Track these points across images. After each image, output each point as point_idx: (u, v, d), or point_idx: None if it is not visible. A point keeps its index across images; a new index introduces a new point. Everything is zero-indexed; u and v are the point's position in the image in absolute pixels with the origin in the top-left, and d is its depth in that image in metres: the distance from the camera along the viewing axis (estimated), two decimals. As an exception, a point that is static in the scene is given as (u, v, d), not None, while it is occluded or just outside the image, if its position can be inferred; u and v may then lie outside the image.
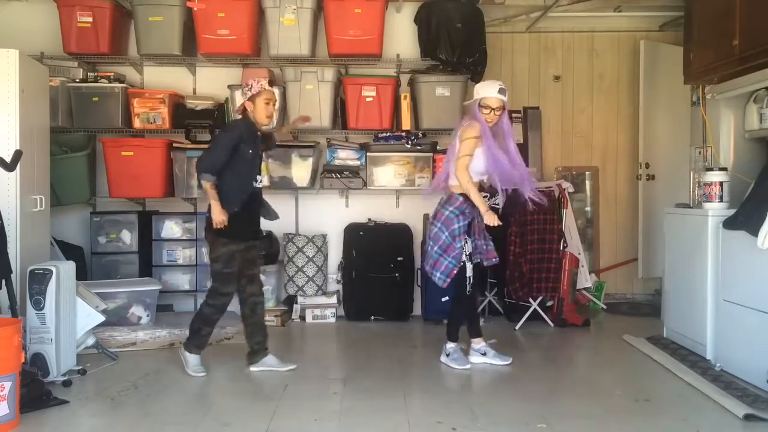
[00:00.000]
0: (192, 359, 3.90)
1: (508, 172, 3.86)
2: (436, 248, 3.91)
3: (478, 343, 4.11)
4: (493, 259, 4.05)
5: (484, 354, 4.09)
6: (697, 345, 4.16)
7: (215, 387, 3.72)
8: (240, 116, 3.92)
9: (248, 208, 3.84)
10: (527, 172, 4.01)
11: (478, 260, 3.99)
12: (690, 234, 4.26)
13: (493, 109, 3.83)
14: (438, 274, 3.91)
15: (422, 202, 5.28)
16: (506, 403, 3.38)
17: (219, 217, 3.68)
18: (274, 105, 3.89)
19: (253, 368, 3.95)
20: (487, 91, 3.86)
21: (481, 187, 3.98)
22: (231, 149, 3.73)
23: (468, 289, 3.95)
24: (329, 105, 5.23)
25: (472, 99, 3.95)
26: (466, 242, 3.90)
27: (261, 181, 3.95)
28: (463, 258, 3.88)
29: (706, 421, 3.15)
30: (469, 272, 3.92)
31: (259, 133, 3.89)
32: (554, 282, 5.11)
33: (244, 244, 3.86)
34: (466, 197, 3.87)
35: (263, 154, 4.10)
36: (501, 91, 3.85)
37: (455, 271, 3.87)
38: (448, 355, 4.03)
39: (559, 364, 4.34)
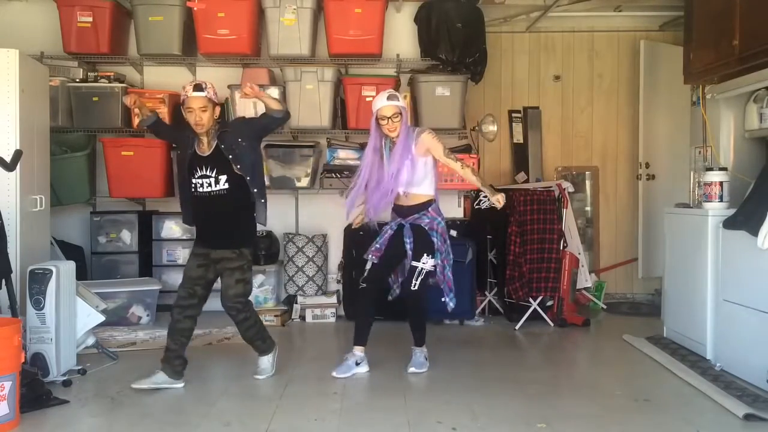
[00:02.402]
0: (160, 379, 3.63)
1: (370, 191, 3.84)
2: (447, 269, 3.89)
3: (414, 351, 4.01)
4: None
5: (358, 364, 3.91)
6: (697, 345, 4.16)
7: (215, 387, 3.71)
8: None
9: (200, 214, 3.62)
10: (386, 193, 3.82)
11: (374, 260, 3.90)
12: (690, 234, 4.25)
13: (389, 117, 3.75)
14: (451, 295, 3.91)
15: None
16: (506, 403, 3.38)
17: None
18: (202, 111, 3.44)
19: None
20: (377, 102, 3.80)
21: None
22: (180, 167, 3.69)
23: (360, 282, 3.90)
24: (329, 105, 5.23)
25: (413, 117, 3.93)
26: (381, 237, 3.90)
27: (214, 185, 3.52)
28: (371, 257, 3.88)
29: (706, 421, 3.15)
30: (368, 264, 3.90)
31: (196, 138, 3.55)
32: (554, 282, 5.11)
33: (203, 249, 3.62)
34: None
35: (229, 158, 3.51)
36: (390, 97, 3.78)
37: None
38: (426, 359, 3.98)
39: (559, 364, 4.34)
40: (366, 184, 3.85)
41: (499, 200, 3.73)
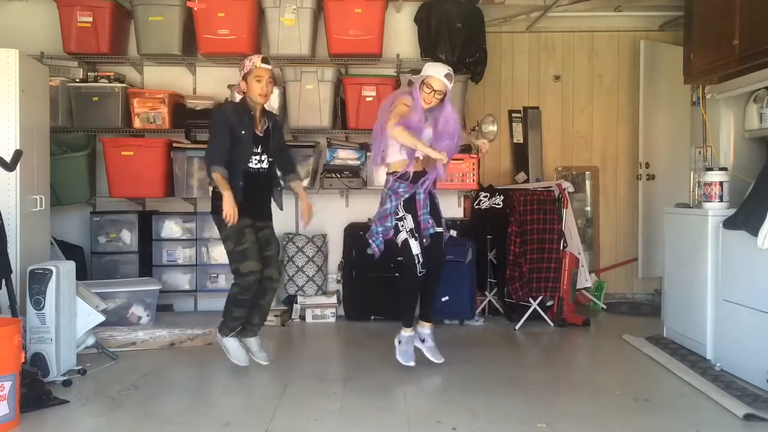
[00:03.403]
0: (231, 345, 3.90)
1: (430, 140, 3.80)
2: (375, 223, 3.93)
3: (423, 327, 4.02)
4: (430, 229, 3.91)
5: (423, 341, 4.00)
6: (697, 345, 4.16)
7: (215, 387, 3.72)
8: (240, 97, 3.93)
9: (250, 188, 3.80)
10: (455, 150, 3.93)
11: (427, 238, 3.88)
12: (690, 234, 4.25)
13: (435, 90, 3.74)
14: (370, 241, 3.92)
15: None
16: (506, 403, 3.38)
17: (228, 208, 3.64)
18: (269, 82, 3.83)
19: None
20: (435, 71, 3.77)
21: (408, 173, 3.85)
22: (226, 132, 3.74)
23: (419, 270, 3.80)
24: (329, 105, 5.23)
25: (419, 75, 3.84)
26: (405, 218, 3.83)
27: (261, 162, 3.87)
28: (404, 235, 3.81)
29: (706, 420, 3.14)
30: (415, 249, 3.80)
31: (253, 113, 3.84)
32: (554, 282, 5.11)
33: (250, 220, 3.82)
34: (397, 176, 3.84)
35: (269, 137, 3.91)
36: (447, 76, 3.76)
37: (380, 237, 3.88)
38: (399, 343, 3.98)
39: (559, 364, 4.34)
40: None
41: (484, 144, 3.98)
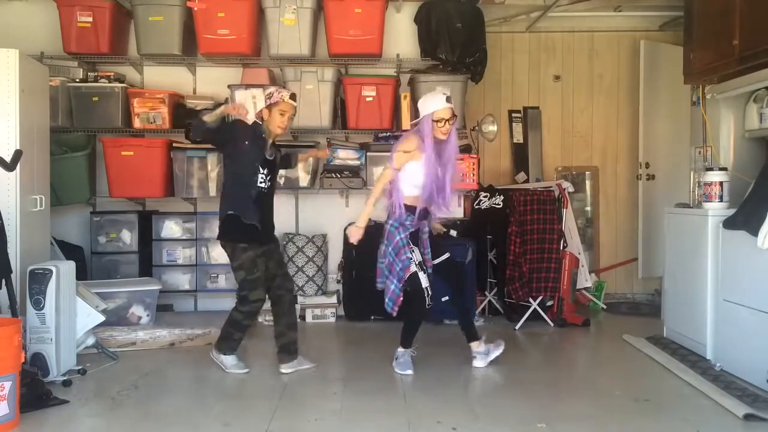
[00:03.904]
0: (227, 360, 3.92)
1: (430, 191, 3.80)
2: (384, 267, 3.87)
3: (477, 347, 4.01)
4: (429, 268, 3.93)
5: (487, 353, 4.00)
6: (697, 345, 4.16)
7: (215, 387, 3.72)
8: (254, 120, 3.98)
9: (258, 209, 3.80)
10: (449, 193, 3.88)
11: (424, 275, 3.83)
12: (690, 234, 4.25)
13: (447, 120, 3.76)
14: (386, 301, 3.85)
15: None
16: (506, 403, 3.38)
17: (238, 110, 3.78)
18: (290, 118, 3.88)
19: (284, 370, 3.90)
20: (436, 103, 3.76)
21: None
22: (228, 133, 3.79)
23: (427, 303, 3.79)
24: (329, 105, 5.23)
25: (418, 117, 3.86)
26: (413, 251, 3.81)
27: (265, 182, 3.85)
28: (414, 267, 3.78)
29: (706, 421, 3.15)
30: (424, 282, 3.78)
31: (267, 138, 3.85)
32: (554, 282, 5.11)
33: (261, 248, 3.85)
34: (405, 208, 3.82)
35: (276, 165, 4.00)
36: (448, 99, 3.79)
37: (401, 298, 3.81)
38: (397, 359, 3.96)
39: (559, 364, 4.34)
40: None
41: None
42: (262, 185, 3.84)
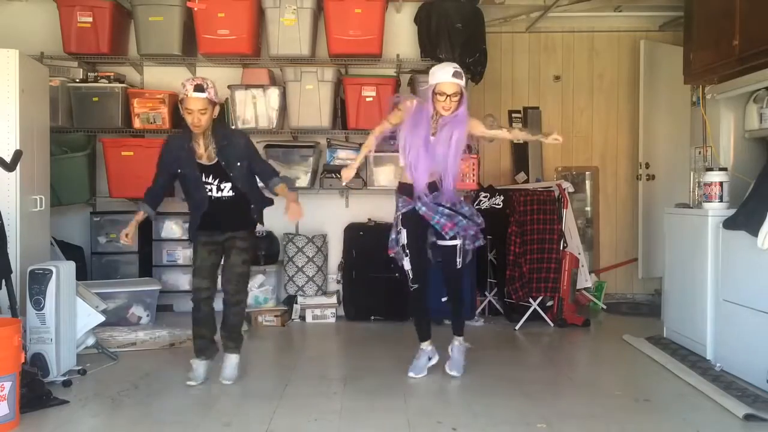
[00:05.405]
0: (193, 364, 3.78)
1: (412, 162, 3.58)
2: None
3: (454, 339, 3.94)
4: (479, 242, 3.84)
5: (430, 355, 3.91)
6: (697, 345, 4.16)
7: (215, 387, 3.71)
8: None
9: (213, 213, 3.58)
10: (451, 175, 3.64)
11: (432, 249, 3.80)
12: (690, 234, 4.26)
13: (449, 95, 3.49)
14: (399, 258, 3.85)
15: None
16: (506, 403, 3.38)
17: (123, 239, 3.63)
18: (203, 113, 3.41)
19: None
20: (440, 75, 3.50)
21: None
22: (165, 170, 3.59)
23: (410, 284, 3.76)
24: (329, 105, 5.22)
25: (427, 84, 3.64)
26: (400, 233, 3.75)
27: (222, 191, 3.57)
28: (395, 248, 3.77)
29: (706, 421, 3.15)
30: (406, 265, 3.74)
31: (191, 144, 3.53)
32: (554, 282, 5.11)
33: (207, 236, 3.62)
34: (399, 187, 3.80)
35: (229, 165, 3.55)
36: (456, 74, 3.49)
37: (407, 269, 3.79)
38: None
39: (559, 364, 4.34)
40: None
41: (556, 138, 3.59)
42: (220, 194, 3.57)
